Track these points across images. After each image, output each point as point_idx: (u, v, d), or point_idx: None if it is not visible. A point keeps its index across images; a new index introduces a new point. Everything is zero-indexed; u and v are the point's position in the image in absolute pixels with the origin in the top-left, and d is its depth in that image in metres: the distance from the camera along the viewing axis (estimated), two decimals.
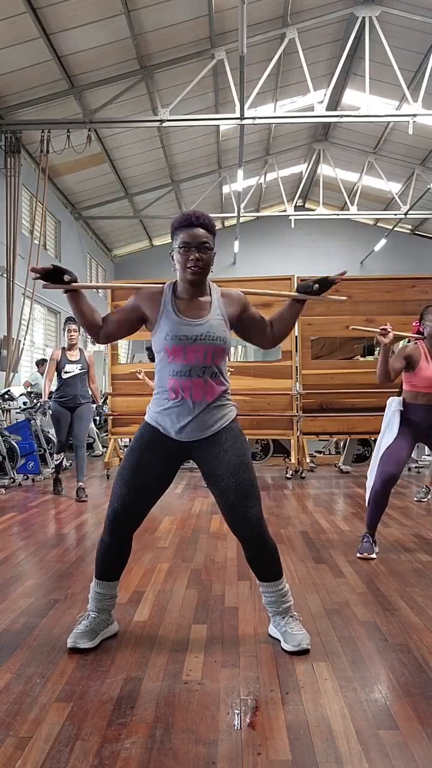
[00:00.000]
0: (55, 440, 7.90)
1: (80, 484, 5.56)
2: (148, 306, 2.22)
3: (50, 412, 5.86)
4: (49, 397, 6.00)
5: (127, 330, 2.28)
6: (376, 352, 9.09)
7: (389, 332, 3.27)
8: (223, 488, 2.17)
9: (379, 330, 3.30)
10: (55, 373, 5.76)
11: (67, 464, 7.99)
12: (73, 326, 5.57)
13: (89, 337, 2.53)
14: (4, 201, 9.91)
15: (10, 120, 9.81)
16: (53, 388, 5.95)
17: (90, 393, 5.81)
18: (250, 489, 2.17)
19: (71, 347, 5.70)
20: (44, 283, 2.15)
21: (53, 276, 2.12)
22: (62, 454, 5.89)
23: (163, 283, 2.28)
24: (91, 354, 5.91)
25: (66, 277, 2.12)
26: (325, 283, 2.26)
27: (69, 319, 5.53)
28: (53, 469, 6.00)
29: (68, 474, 7.53)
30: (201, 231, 2.15)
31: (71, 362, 5.67)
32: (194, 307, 2.20)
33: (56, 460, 5.92)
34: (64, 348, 5.75)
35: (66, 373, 5.63)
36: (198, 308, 2.20)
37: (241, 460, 2.19)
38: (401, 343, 3.71)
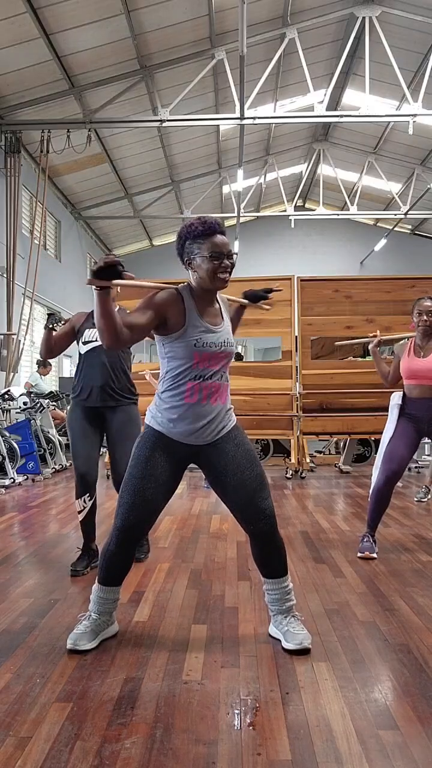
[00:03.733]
0: (56, 440, 7.95)
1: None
2: (172, 311, 2.13)
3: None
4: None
5: (147, 334, 2.19)
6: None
7: (377, 337, 3.77)
8: (236, 483, 2.20)
9: (368, 336, 3.74)
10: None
11: (67, 464, 7.99)
12: None
13: (102, 341, 2.10)
14: (4, 201, 9.91)
15: (10, 120, 9.81)
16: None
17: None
18: (262, 481, 2.24)
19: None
20: (94, 279, 1.91)
21: (110, 271, 1.90)
22: None
23: (166, 283, 2.26)
24: None
25: (120, 269, 1.92)
26: (264, 294, 2.70)
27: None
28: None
29: (67, 474, 7.53)
30: (225, 238, 2.18)
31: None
32: (211, 313, 2.24)
33: None
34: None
35: (86, 344, 3.28)
36: (214, 315, 2.25)
37: (251, 454, 2.26)
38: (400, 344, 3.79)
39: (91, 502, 3.26)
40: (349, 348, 9.06)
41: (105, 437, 3.33)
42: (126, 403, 3.29)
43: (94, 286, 1.94)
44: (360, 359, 8.29)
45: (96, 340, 3.21)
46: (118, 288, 2.92)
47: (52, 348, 3.33)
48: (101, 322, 1.99)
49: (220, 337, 2.22)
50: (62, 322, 3.35)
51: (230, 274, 2.20)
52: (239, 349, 13.86)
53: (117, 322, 2.01)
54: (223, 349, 2.22)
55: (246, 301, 2.68)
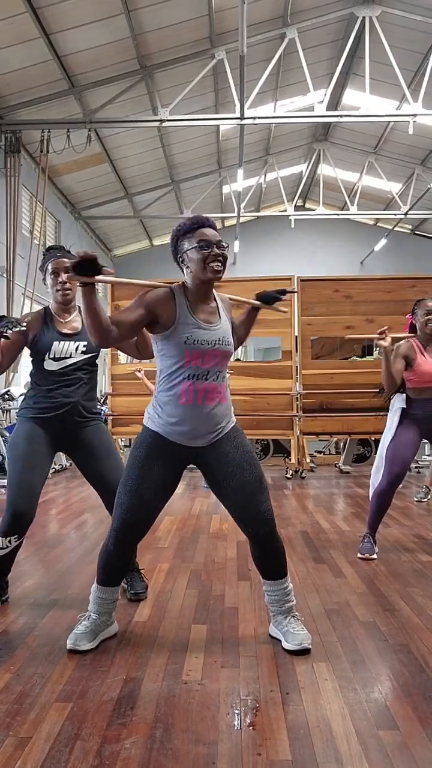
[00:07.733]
0: None
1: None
2: (163, 308, 2.12)
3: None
4: None
5: (138, 332, 2.19)
6: (375, 352, 9.10)
7: (387, 335, 3.22)
8: (234, 486, 2.18)
9: (377, 333, 3.23)
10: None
11: (67, 464, 7.99)
12: (67, 263, 2.65)
13: (91, 339, 2.13)
14: (4, 201, 9.91)
15: (10, 120, 9.81)
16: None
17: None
18: (261, 484, 2.21)
19: (65, 304, 2.79)
20: (70, 274, 1.92)
21: (88, 267, 1.89)
22: None
23: (164, 283, 2.25)
24: None
25: (105, 269, 1.94)
26: (277, 296, 2.50)
27: (51, 250, 2.82)
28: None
29: (68, 474, 7.53)
30: (214, 231, 2.18)
31: (65, 336, 2.77)
32: (206, 311, 2.21)
33: None
34: (47, 310, 2.83)
35: (57, 360, 2.73)
36: (209, 313, 2.21)
37: (249, 456, 2.23)
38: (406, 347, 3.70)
39: (17, 543, 2.65)
40: (349, 348, 9.06)
41: (75, 459, 2.81)
42: (100, 419, 2.89)
43: (78, 283, 1.94)
44: (359, 359, 8.29)
45: (70, 356, 2.71)
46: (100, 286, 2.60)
47: (1, 362, 2.67)
48: (88, 319, 2.00)
49: (214, 335, 2.17)
50: (22, 326, 2.68)
51: (223, 265, 2.14)
52: (239, 350, 13.85)
53: (103, 319, 2.01)
54: (216, 347, 2.16)
55: (258, 303, 2.51)
